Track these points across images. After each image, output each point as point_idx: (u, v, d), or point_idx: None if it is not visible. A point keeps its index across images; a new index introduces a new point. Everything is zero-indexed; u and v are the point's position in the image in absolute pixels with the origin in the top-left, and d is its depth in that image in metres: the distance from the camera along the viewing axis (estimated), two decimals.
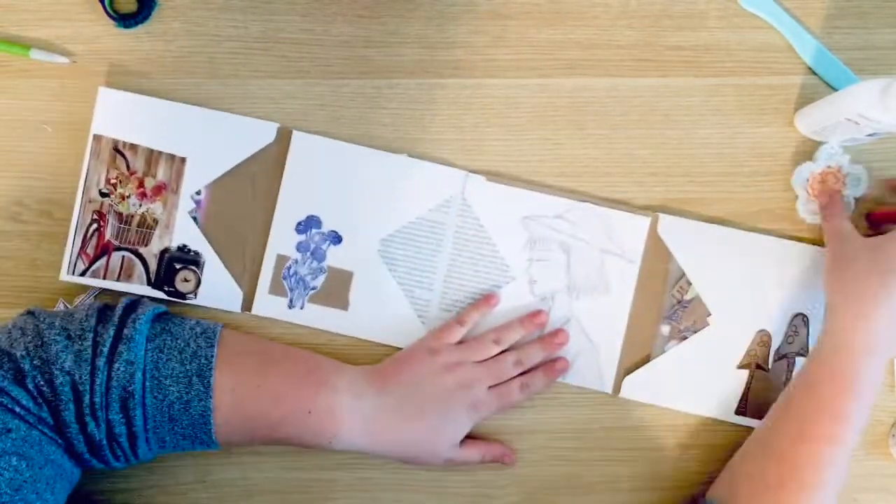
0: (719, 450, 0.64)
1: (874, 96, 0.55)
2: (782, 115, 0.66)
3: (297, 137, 0.64)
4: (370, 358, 0.64)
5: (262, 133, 0.64)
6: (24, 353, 0.52)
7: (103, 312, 0.56)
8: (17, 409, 0.50)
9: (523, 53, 0.65)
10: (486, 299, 0.64)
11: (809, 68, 0.66)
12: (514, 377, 0.62)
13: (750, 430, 0.62)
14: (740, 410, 0.64)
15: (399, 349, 0.64)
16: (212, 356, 0.55)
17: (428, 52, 0.65)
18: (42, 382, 0.51)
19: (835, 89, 0.65)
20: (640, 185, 0.65)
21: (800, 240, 0.65)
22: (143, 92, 0.64)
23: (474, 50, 0.65)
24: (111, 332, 0.54)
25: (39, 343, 0.52)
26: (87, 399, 0.52)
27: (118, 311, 0.56)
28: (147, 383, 0.53)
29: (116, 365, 0.53)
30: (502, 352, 0.63)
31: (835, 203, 0.62)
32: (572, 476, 0.64)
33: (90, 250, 0.63)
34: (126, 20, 0.64)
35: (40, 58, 0.64)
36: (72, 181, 0.64)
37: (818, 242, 0.64)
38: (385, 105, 0.65)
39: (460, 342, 0.63)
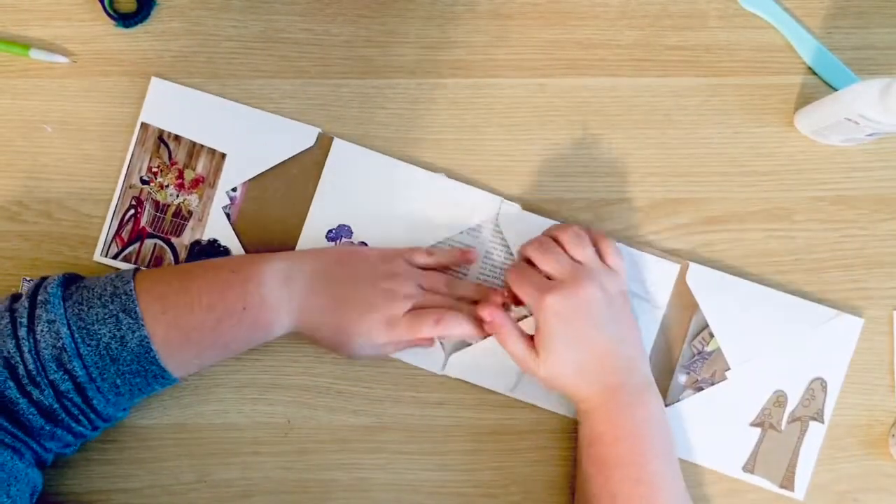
0: None
1: (874, 96, 0.55)
2: (782, 115, 0.66)
3: (337, 145, 0.64)
4: (390, 376, 0.64)
5: (302, 137, 0.64)
6: None
7: (16, 295, 0.56)
8: None
9: (523, 53, 0.65)
10: (463, 252, 0.64)
11: (809, 68, 0.66)
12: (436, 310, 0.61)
13: (756, 488, 0.63)
14: (748, 468, 0.64)
15: (417, 368, 0.64)
16: (131, 290, 0.55)
17: (428, 52, 0.65)
18: None
19: (835, 89, 0.65)
20: (640, 185, 0.65)
21: (826, 302, 0.64)
22: (143, 91, 0.64)
23: (474, 50, 0.65)
24: (26, 304, 0.54)
25: None
26: (21, 370, 0.52)
27: (30, 287, 0.56)
28: (76, 335, 0.53)
29: (39, 328, 0.53)
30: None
31: (503, 331, 0.60)
32: (572, 476, 0.64)
33: (125, 235, 0.64)
34: (126, 20, 0.64)
35: (40, 58, 0.64)
36: (72, 181, 0.64)
37: (844, 308, 0.64)
38: (385, 105, 0.65)
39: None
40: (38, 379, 0.52)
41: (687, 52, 0.66)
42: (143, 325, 0.54)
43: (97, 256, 0.64)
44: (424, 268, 0.63)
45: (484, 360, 0.64)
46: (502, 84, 0.65)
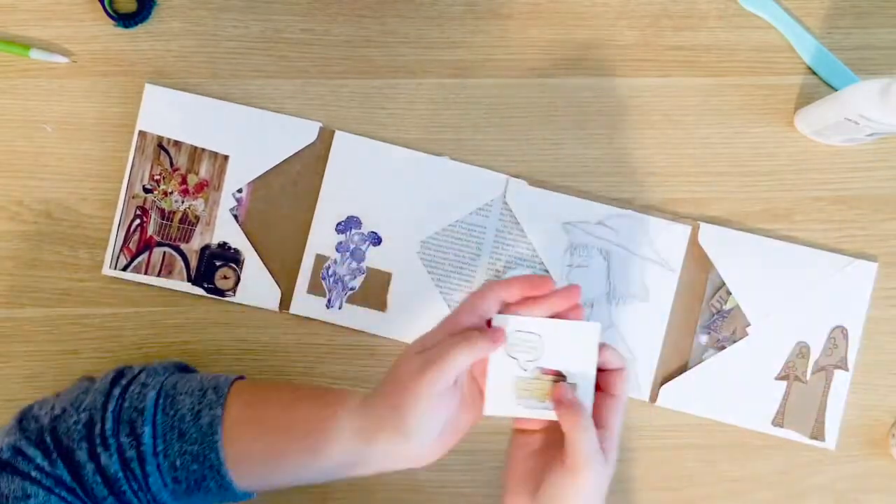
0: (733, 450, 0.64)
1: (874, 96, 0.55)
2: (782, 115, 0.66)
3: (339, 137, 0.64)
4: None
5: (304, 132, 0.64)
6: (49, 412, 0.52)
7: (126, 368, 0.56)
8: (34, 473, 0.50)
9: (523, 53, 0.65)
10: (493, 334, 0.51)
11: (809, 68, 0.66)
12: None
13: (786, 441, 0.63)
14: (777, 422, 0.64)
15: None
16: (231, 379, 0.54)
17: (428, 52, 0.65)
18: (60, 431, 0.51)
19: (835, 89, 0.65)
20: (640, 185, 0.65)
21: (838, 250, 0.64)
22: (143, 91, 0.64)
23: (474, 50, 0.65)
24: (135, 370, 0.55)
25: (67, 393, 0.53)
26: (98, 429, 0.51)
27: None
28: (160, 400, 0.52)
29: (132, 388, 0.53)
30: None
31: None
32: None
33: (132, 245, 0.64)
34: (126, 20, 0.64)
35: (40, 58, 0.64)
36: (72, 181, 0.64)
37: (859, 254, 0.64)
38: (385, 105, 0.65)
39: None
40: (111, 441, 0.51)
41: (687, 52, 0.66)
42: (221, 405, 0.52)
43: (106, 270, 0.64)
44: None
45: None
46: (502, 84, 0.65)
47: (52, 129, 0.64)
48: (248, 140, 0.64)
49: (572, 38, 0.66)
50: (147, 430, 0.51)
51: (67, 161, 0.64)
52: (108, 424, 0.51)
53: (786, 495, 0.64)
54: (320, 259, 0.64)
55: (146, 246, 0.64)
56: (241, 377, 0.56)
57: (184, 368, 0.58)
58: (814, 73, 0.66)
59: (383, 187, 0.64)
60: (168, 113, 0.64)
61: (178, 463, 0.51)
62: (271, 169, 0.64)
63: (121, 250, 0.64)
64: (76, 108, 0.64)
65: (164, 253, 0.64)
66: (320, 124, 0.64)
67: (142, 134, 0.64)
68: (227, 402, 0.52)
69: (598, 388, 0.50)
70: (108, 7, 0.64)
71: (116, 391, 0.52)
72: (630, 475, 0.65)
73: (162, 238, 0.64)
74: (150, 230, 0.64)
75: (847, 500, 0.64)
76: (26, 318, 0.64)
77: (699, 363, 0.64)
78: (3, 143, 0.64)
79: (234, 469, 0.51)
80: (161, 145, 0.64)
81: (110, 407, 0.52)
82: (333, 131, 0.64)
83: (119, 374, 0.55)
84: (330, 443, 0.51)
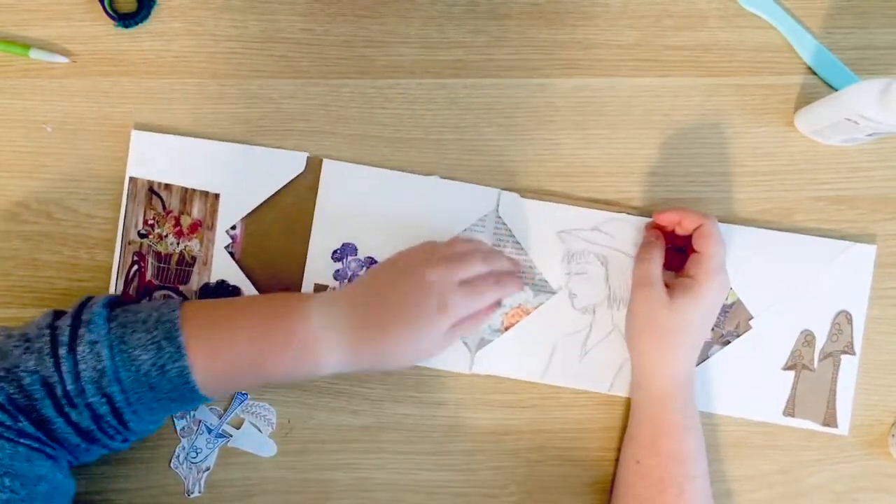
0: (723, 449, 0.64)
1: (874, 96, 0.55)
2: (782, 115, 0.66)
3: (328, 165, 0.64)
4: (411, 381, 0.64)
5: (291, 163, 0.64)
6: None
7: (58, 313, 0.55)
8: None
9: (523, 53, 0.65)
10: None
11: (809, 68, 0.66)
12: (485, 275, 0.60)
13: (798, 431, 0.64)
14: (788, 412, 0.64)
15: (441, 372, 0.64)
16: (176, 318, 0.54)
17: (428, 52, 0.65)
18: (13, 391, 0.51)
19: (835, 89, 0.65)
20: (640, 185, 0.65)
21: (835, 235, 0.65)
22: (143, 92, 0.64)
23: (474, 50, 0.65)
24: (68, 322, 0.53)
25: (2, 356, 0.52)
26: (59, 390, 0.51)
27: (73, 306, 0.55)
28: (116, 357, 0.52)
29: (80, 349, 0.52)
30: None
31: (651, 247, 0.62)
32: (572, 476, 0.64)
33: (132, 291, 0.64)
34: (125, 20, 0.64)
35: (40, 58, 0.64)
36: (72, 181, 0.64)
37: (854, 238, 0.65)
38: (385, 105, 0.65)
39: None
40: (77, 400, 0.52)
41: (687, 52, 0.66)
42: (184, 356, 0.53)
43: None
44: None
45: (510, 350, 0.64)
46: (502, 84, 0.65)
47: (51, 129, 0.64)
48: (237, 176, 0.64)
49: (572, 38, 0.66)
50: (115, 388, 0.52)
51: (67, 161, 0.64)
52: (70, 386, 0.51)
53: (786, 495, 0.64)
54: (319, 288, 0.64)
55: (146, 290, 0.64)
56: (181, 302, 0.56)
57: (115, 303, 0.57)
58: (814, 73, 0.66)
59: (376, 211, 0.64)
60: (156, 157, 0.64)
61: (154, 406, 0.54)
62: (263, 203, 0.64)
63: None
64: (76, 108, 0.64)
65: (164, 296, 0.64)
66: (307, 154, 0.64)
67: (132, 180, 0.64)
68: (187, 348, 0.53)
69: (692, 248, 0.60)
70: (107, 7, 0.64)
71: (62, 351, 0.52)
72: None
73: (161, 281, 0.64)
74: (149, 274, 0.64)
75: (847, 500, 0.64)
76: (26, 318, 0.64)
77: (705, 360, 0.64)
78: (3, 143, 0.64)
79: (209, 394, 0.55)
80: (152, 189, 0.64)
81: (65, 368, 0.51)
82: (322, 160, 0.64)
83: (51, 328, 0.53)
84: (314, 367, 0.56)
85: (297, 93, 0.65)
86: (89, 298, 0.56)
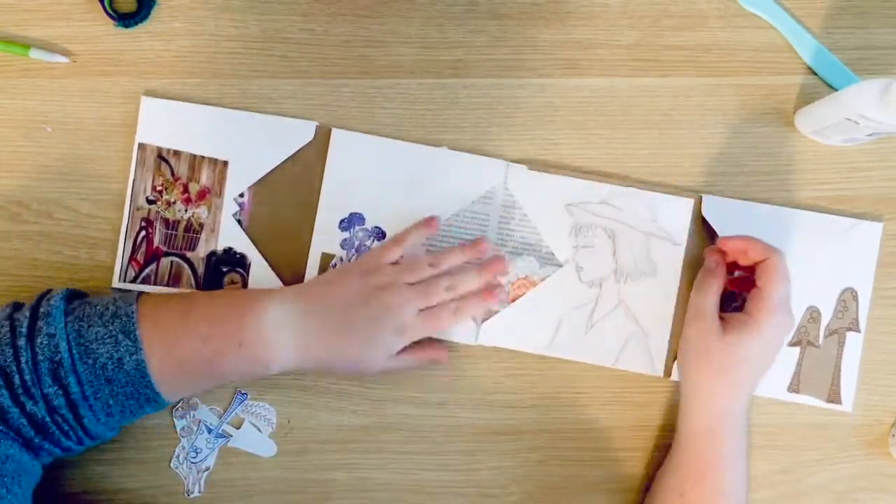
0: None
1: (874, 96, 0.55)
2: (782, 115, 0.66)
3: (337, 135, 0.64)
4: (390, 376, 0.64)
5: (300, 132, 0.64)
6: None
7: (17, 304, 0.56)
8: None
9: (523, 53, 0.65)
10: (425, 221, 0.63)
11: (809, 68, 0.66)
12: (447, 302, 0.61)
13: (804, 407, 0.64)
14: (793, 388, 0.64)
15: (446, 342, 0.64)
16: (133, 312, 0.55)
17: (428, 52, 0.65)
18: None
19: (835, 89, 0.65)
20: (639, 185, 0.65)
21: (841, 213, 0.65)
22: (143, 92, 0.64)
23: (474, 50, 0.65)
24: (27, 314, 0.54)
25: None
26: (16, 380, 0.52)
27: (34, 299, 0.56)
28: (73, 350, 0.53)
29: (38, 340, 0.53)
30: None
31: (710, 276, 0.61)
32: (572, 476, 0.64)
33: (140, 257, 0.64)
34: (125, 20, 0.64)
35: (40, 58, 0.64)
36: (72, 181, 0.64)
37: (861, 215, 0.65)
38: (385, 105, 0.65)
39: (395, 263, 0.61)
40: (33, 391, 0.52)
41: (687, 52, 0.66)
42: (140, 349, 0.54)
43: (116, 283, 0.64)
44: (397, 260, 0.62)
45: (516, 322, 0.64)
46: (502, 84, 0.65)
47: (51, 129, 0.64)
48: (246, 144, 0.64)
49: (572, 38, 0.66)
50: (72, 379, 0.53)
51: (67, 161, 0.64)
52: (27, 376, 0.52)
53: (786, 495, 0.64)
54: (326, 257, 0.64)
55: (153, 256, 0.64)
56: (137, 296, 0.57)
57: (74, 295, 0.57)
58: (814, 73, 0.66)
59: (384, 182, 0.64)
60: (165, 123, 0.64)
61: (111, 402, 0.55)
62: (271, 171, 0.64)
63: (129, 263, 0.64)
64: (76, 108, 0.64)
65: (172, 262, 0.64)
66: (316, 123, 0.64)
67: (141, 146, 0.64)
68: (143, 342, 0.54)
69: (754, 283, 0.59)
70: (107, 7, 0.64)
71: (21, 342, 0.52)
72: (632, 474, 0.65)
73: (168, 248, 0.64)
74: (157, 241, 0.64)
75: (847, 500, 0.64)
76: None
77: None
78: (3, 143, 0.64)
79: (166, 393, 0.56)
80: (161, 156, 0.64)
81: (23, 359, 0.52)
82: (331, 129, 0.64)
83: (10, 319, 0.54)
84: (265, 365, 0.57)
85: (297, 93, 0.65)
86: (48, 291, 0.57)
